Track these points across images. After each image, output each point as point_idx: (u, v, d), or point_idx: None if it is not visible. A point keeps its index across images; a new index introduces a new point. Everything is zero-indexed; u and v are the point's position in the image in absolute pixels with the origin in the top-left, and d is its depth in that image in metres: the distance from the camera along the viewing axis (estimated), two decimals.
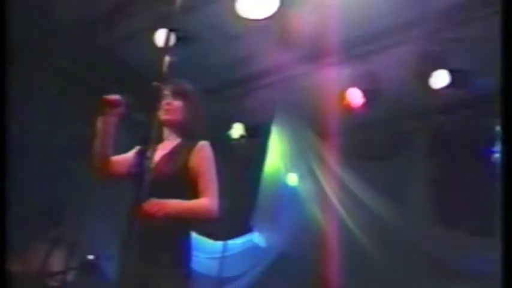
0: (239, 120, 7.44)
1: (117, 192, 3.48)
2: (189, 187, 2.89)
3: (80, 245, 5.91)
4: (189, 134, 3.08)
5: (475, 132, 6.93)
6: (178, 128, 3.10)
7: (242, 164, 7.38)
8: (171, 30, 2.47)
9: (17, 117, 4.15)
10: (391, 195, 6.73)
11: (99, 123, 2.83)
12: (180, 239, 2.85)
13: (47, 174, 6.27)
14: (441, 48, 5.78)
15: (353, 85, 6.37)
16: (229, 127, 7.45)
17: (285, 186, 7.41)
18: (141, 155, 2.35)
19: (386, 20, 5.85)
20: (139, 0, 6.06)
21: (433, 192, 7.29)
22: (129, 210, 2.45)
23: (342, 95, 6.43)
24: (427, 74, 5.90)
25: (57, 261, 5.69)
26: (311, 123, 7.15)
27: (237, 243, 7.26)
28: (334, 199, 6.94)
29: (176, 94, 3.08)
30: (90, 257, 5.54)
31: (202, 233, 6.49)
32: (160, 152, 2.99)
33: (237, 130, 7.42)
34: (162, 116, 2.96)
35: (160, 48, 2.46)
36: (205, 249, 6.64)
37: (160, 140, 3.08)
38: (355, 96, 6.36)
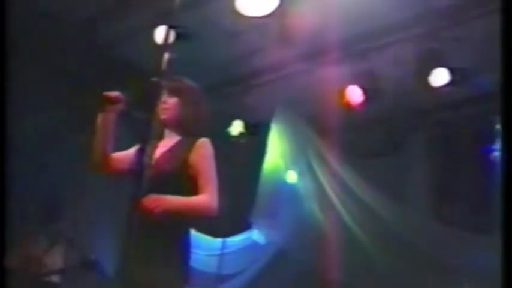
0: (239, 118, 7.44)
1: (117, 189, 3.48)
2: (189, 184, 2.87)
3: (78, 241, 5.91)
4: (188, 131, 3.06)
5: (475, 131, 6.94)
6: (177, 125, 3.08)
7: (241, 161, 7.39)
8: (170, 27, 2.46)
9: (17, 114, 4.14)
10: (390, 192, 6.74)
11: (99, 120, 2.83)
12: (179, 236, 2.84)
13: (46, 171, 6.27)
14: (441, 47, 5.78)
15: (353, 83, 6.37)
16: (229, 124, 7.46)
17: (284, 183, 7.41)
18: (142, 152, 2.35)
19: (387, 18, 5.85)
20: None
21: (432, 190, 7.30)
22: (129, 206, 2.46)
23: (341, 93, 6.43)
24: (427, 72, 5.89)
25: (55, 258, 5.70)
26: (310, 121, 7.14)
27: (236, 240, 7.27)
28: (333, 197, 6.94)
29: (172, 91, 3.06)
30: (89, 253, 5.55)
31: (201, 230, 6.50)
32: (161, 149, 2.99)
33: (236, 127, 7.43)
34: (160, 115, 2.96)
35: (160, 45, 2.45)
36: (204, 246, 6.65)
37: (161, 137, 3.08)
38: (355, 94, 6.36)
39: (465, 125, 7.13)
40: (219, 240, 6.76)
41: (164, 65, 2.40)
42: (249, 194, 7.13)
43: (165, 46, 2.43)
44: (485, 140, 6.56)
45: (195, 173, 2.90)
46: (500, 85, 2.41)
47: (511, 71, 2.36)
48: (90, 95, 2.98)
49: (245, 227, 7.35)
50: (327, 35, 5.99)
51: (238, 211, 6.57)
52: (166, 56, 2.41)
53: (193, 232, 2.97)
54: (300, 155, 7.29)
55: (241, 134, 7.41)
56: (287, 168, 7.42)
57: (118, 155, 3.00)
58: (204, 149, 2.97)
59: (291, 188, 7.39)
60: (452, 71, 5.86)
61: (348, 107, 6.44)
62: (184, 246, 2.85)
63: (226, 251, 6.63)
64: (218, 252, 6.51)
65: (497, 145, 6.30)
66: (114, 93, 2.80)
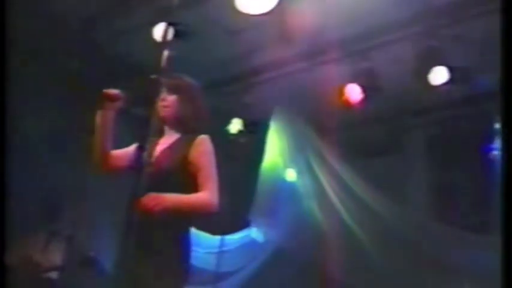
0: (238, 116, 7.44)
1: (116, 186, 3.48)
2: (188, 181, 2.87)
3: (78, 239, 5.91)
4: (187, 129, 3.06)
5: (474, 129, 6.94)
6: (176, 123, 3.08)
7: (240, 160, 7.40)
8: (170, 24, 2.46)
9: (17, 114, 4.14)
10: (390, 191, 6.73)
11: (99, 117, 2.83)
12: (179, 234, 2.84)
13: (46, 168, 6.26)
14: (440, 45, 5.78)
15: (352, 81, 6.36)
16: (228, 122, 7.45)
17: (283, 181, 7.41)
18: (141, 150, 2.34)
19: (386, 16, 5.84)
20: None
21: (431, 189, 7.31)
22: (128, 204, 2.45)
23: (340, 91, 6.42)
24: (426, 71, 5.89)
25: (55, 255, 5.70)
26: (310, 119, 7.14)
27: (235, 238, 7.27)
28: (332, 195, 6.94)
29: (171, 89, 3.06)
30: (88, 251, 5.55)
31: (200, 227, 6.49)
32: (160, 146, 2.99)
33: (235, 125, 7.43)
34: (160, 112, 2.96)
35: (159, 43, 2.45)
36: (203, 244, 6.64)
37: (160, 134, 3.07)
38: (354, 92, 6.36)
39: (465, 123, 7.13)
40: (218, 238, 6.76)
41: (163, 63, 2.40)
42: (248, 192, 7.13)
43: (165, 44, 2.43)
44: (485, 139, 6.56)
45: (195, 170, 2.89)
46: (500, 84, 2.41)
47: (511, 71, 2.36)
48: (90, 93, 2.97)
49: (244, 225, 7.35)
50: (326, 34, 6.00)
51: (237, 209, 6.57)
52: (165, 53, 2.41)
53: (192, 230, 2.96)
54: (299, 154, 7.29)
55: (240, 132, 7.41)
56: (286, 167, 7.41)
57: (117, 152, 2.99)
58: (203, 146, 2.96)
59: (290, 186, 7.38)
60: (451, 69, 5.86)
61: (347, 105, 6.43)
62: (185, 245, 2.84)
63: (225, 248, 6.63)
64: (217, 250, 6.51)
65: (497, 144, 6.31)
66: (113, 91, 2.80)
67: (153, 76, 2.38)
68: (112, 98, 2.79)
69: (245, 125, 7.40)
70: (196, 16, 5.56)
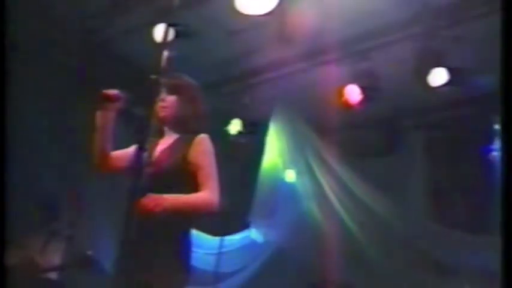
0: (237, 116, 7.44)
1: (116, 186, 3.48)
2: (189, 181, 2.85)
3: (77, 238, 5.91)
4: (187, 129, 3.05)
5: (473, 130, 6.94)
6: (176, 123, 3.07)
7: (240, 160, 7.40)
8: (170, 25, 2.46)
9: (17, 113, 4.14)
10: (389, 192, 6.74)
11: (98, 118, 2.82)
12: (180, 234, 2.83)
13: (46, 168, 6.26)
14: (440, 46, 5.78)
15: (352, 82, 6.36)
16: (228, 123, 7.45)
17: (283, 182, 7.41)
18: (141, 150, 2.34)
19: (386, 17, 5.85)
20: None
21: (431, 189, 7.30)
22: (127, 205, 2.45)
23: (340, 92, 6.42)
24: (425, 72, 5.89)
25: (54, 255, 5.69)
26: (309, 120, 7.15)
27: (234, 239, 7.27)
28: (331, 196, 6.95)
29: (171, 89, 3.05)
30: (88, 251, 5.54)
31: (200, 228, 6.50)
32: (160, 146, 2.99)
33: (235, 126, 7.42)
34: (159, 112, 2.96)
35: (159, 43, 2.45)
36: (203, 245, 6.64)
37: (160, 135, 3.07)
38: (354, 93, 6.36)
39: (464, 124, 7.13)
40: (217, 238, 6.76)
41: (163, 63, 2.40)
42: (248, 193, 7.13)
43: (165, 44, 2.43)
44: (485, 140, 6.57)
45: (195, 169, 2.88)
46: (500, 85, 2.41)
47: (511, 71, 2.36)
48: (90, 93, 2.97)
49: (243, 225, 7.35)
50: (326, 34, 6.00)
51: (237, 210, 6.57)
52: (165, 54, 2.41)
53: (192, 231, 2.95)
54: (298, 154, 7.29)
55: (239, 132, 7.41)
56: (285, 167, 7.42)
57: (117, 153, 2.98)
58: (203, 145, 2.95)
59: (290, 187, 7.39)
60: (451, 70, 5.86)
61: (347, 106, 6.43)
62: (185, 245, 2.83)
63: (224, 249, 6.63)
64: (217, 251, 6.51)
65: (497, 145, 6.31)
66: (113, 91, 2.79)
67: (153, 76, 2.38)
68: (111, 99, 2.78)
69: (245, 125, 7.40)
70: (196, 16, 5.57)
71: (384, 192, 6.69)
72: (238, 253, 7.22)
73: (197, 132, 3.00)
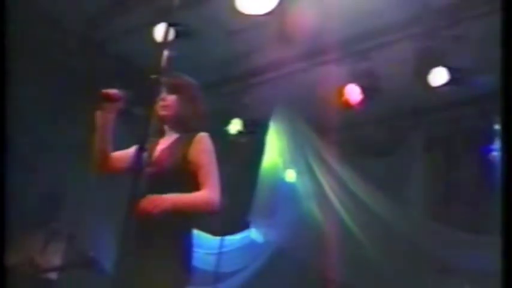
0: (237, 116, 7.44)
1: (117, 186, 3.47)
2: (189, 180, 2.84)
3: (78, 239, 5.91)
4: (187, 128, 3.04)
5: (474, 130, 6.94)
6: (176, 122, 3.07)
7: (240, 160, 7.39)
8: (170, 25, 2.46)
9: (17, 110, 4.14)
10: (389, 192, 6.74)
11: (98, 119, 2.81)
12: (181, 234, 2.81)
13: (46, 168, 6.26)
14: (440, 46, 5.77)
15: (352, 82, 6.36)
16: (228, 123, 7.45)
17: (283, 182, 7.41)
18: (141, 150, 2.33)
19: (386, 17, 5.84)
20: None
21: (431, 189, 7.31)
22: (127, 206, 2.44)
23: (340, 92, 6.42)
24: (426, 72, 5.88)
25: (55, 255, 5.69)
26: (309, 120, 7.14)
27: (235, 238, 7.27)
28: (332, 196, 6.94)
29: (171, 88, 3.04)
30: (88, 251, 5.54)
31: (200, 228, 6.50)
32: (160, 146, 2.98)
33: (235, 126, 7.42)
34: (159, 112, 2.95)
35: (160, 43, 2.45)
36: (203, 245, 6.64)
37: (161, 134, 3.06)
38: (354, 93, 6.35)
39: (465, 124, 7.13)
40: (217, 238, 6.76)
41: (163, 63, 2.40)
42: (248, 193, 7.13)
43: (165, 44, 2.43)
44: (485, 140, 6.57)
45: (195, 168, 2.87)
46: (500, 85, 2.41)
47: (511, 71, 2.35)
48: (90, 93, 2.97)
49: (244, 225, 7.35)
50: (326, 34, 5.99)
51: (237, 210, 6.57)
52: (165, 54, 2.41)
53: (193, 230, 2.94)
54: (298, 154, 7.29)
55: (240, 132, 7.41)
56: (286, 167, 7.42)
57: (118, 154, 2.98)
58: (202, 144, 2.94)
59: (290, 187, 7.39)
60: (451, 70, 5.85)
61: (347, 105, 6.42)
62: (186, 245, 2.82)
63: (225, 249, 6.63)
64: (217, 251, 6.51)
65: (497, 145, 6.31)
66: (113, 91, 2.79)
67: (153, 76, 2.38)
68: (111, 98, 2.78)
69: (245, 125, 7.40)
70: (196, 16, 5.56)
71: (384, 192, 6.68)
72: (238, 253, 7.22)
73: (197, 131, 2.99)
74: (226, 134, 7.39)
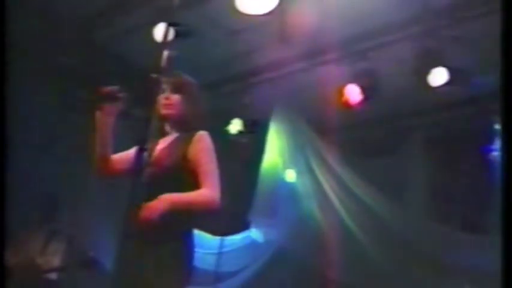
0: (237, 116, 7.44)
1: (117, 186, 3.47)
2: (189, 179, 2.83)
3: (78, 239, 5.91)
4: (188, 127, 3.03)
5: (474, 130, 6.94)
6: (178, 122, 3.06)
7: (240, 160, 7.39)
8: (170, 24, 2.46)
9: (17, 114, 4.14)
10: (389, 192, 6.74)
11: (97, 122, 2.79)
12: (182, 234, 2.81)
13: (46, 168, 6.26)
14: (440, 46, 5.77)
15: (352, 82, 6.36)
16: (228, 122, 7.45)
17: (283, 182, 7.41)
18: (141, 151, 2.32)
19: (386, 17, 5.84)
20: None
21: (431, 189, 7.30)
22: (126, 209, 2.43)
23: (340, 92, 6.42)
24: (425, 72, 5.89)
25: (55, 256, 5.69)
26: (309, 120, 7.15)
27: (235, 238, 7.27)
28: (332, 195, 6.94)
29: (175, 87, 3.04)
30: (89, 251, 5.54)
31: (200, 228, 6.49)
32: (160, 145, 2.97)
33: (235, 126, 7.42)
34: (162, 110, 2.95)
35: (160, 43, 2.44)
36: (203, 245, 6.64)
37: (162, 134, 3.06)
38: (354, 93, 6.35)
39: (465, 124, 7.13)
40: (218, 238, 6.76)
41: (163, 63, 2.40)
42: (248, 193, 7.13)
43: (165, 44, 2.43)
44: (485, 140, 6.57)
45: (195, 167, 2.85)
46: (500, 85, 2.41)
47: (511, 71, 2.36)
48: (90, 93, 2.97)
49: (244, 225, 7.35)
50: (326, 34, 5.99)
51: (237, 210, 6.57)
52: (165, 53, 2.41)
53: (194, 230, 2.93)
54: (298, 154, 7.29)
55: (240, 132, 7.40)
56: (286, 167, 7.42)
57: (118, 156, 2.97)
58: (202, 142, 2.93)
59: (290, 186, 7.39)
60: (451, 70, 5.86)
61: (347, 106, 6.42)
62: (188, 245, 2.81)
63: (225, 249, 6.62)
64: (217, 251, 6.50)
65: (497, 145, 6.31)
66: (112, 88, 2.77)
67: (153, 75, 2.38)
68: (111, 96, 2.76)
69: (245, 125, 7.40)
70: (196, 16, 5.57)
71: (384, 192, 6.69)
72: (239, 253, 7.21)
73: (197, 130, 2.98)
74: (226, 133, 7.39)
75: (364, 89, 6.32)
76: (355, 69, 6.37)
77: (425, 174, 7.33)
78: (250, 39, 6.34)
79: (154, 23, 5.65)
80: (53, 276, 5.62)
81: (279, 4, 5.26)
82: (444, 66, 5.84)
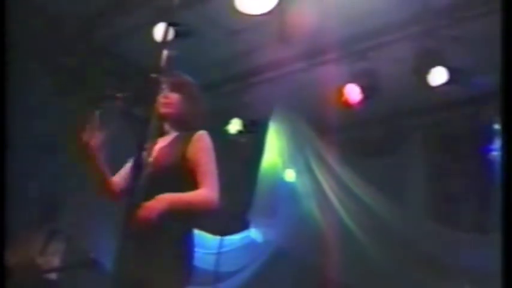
0: (237, 116, 7.44)
1: None
2: (188, 178, 2.83)
3: (78, 240, 5.90)
4: (187, 126, 3.04)
5: (473, 130, 6.94)
6: (177, 121, 3.06)
7: (239, 160, 7.39)
8: (170, 24, 2.46)
9: (16, 111, 4.14)
10: (389, 191, 6.74)
11: (85, 151, 2.77)
12: (182, 234, 2.80)
13: (46, 168, 6.26)
14: (439, 46, 5.77)
15: (351, 81, 6.36)
16: (227, 122, 7.45)
17: (283, 182, 7.41)
18: (141, 150, 2.32)
19: (385, 16, 5.84)
20: None
21: (431, 189, 7.31)
22: (126, 209, 2.43)
23: (340, 91, 6.42)
24: (425, 71, 5.89)
25: (54, 255, 5.69)
26: (309, 119, 7.15)
27: (235, 238, 7.27)
28: (331, 195, 6.94)
29: (174, 87, 3.04)
30: (89, 252, 5.54)
31: (200, 228, 6.49)
32: (159, 145, 2.96)
33: (234, 125, 7.42)
34: (161, 109, 2.94)
35: (159, 43, 2.44)
36: (203, 244, 6.64)
37: (161, 134, 3.06)
38: (354, 93, 6.35)
39: (464, 124, 7.13)
40: (217, 238, 6.76)
41: (163, 63, 2.40)
42: (247, 193, 7.13)
43: (164, 44, 2.43)
44: (485, 140, 6.57)
45: (194, 166, 2.85)
46: (500, 85, 2.41)
47: (511, 71, 2.36)
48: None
49: (243, 225, 7.35)
50: (325, 34, 5.99)
51: (237, 209, 6.57)
52: (165, 53, 2.41)
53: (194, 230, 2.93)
54: (298, 154, 7.29)
55: (239, 132, 7.41)
56: (285, 167, 7.42)
57: (117, 178, 3.00)
58: (201, 142, 2.93)
59: (289, 186, 7.39)
60: (450, 70, 5.86)
61: (346, 105, 6.42)
62: (188, 245, 2.81)
63: (224, 249, 6.62)
64: (217, 250, 6.50)
65: (497, 145, 6.31)
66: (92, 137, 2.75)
67: (153, 75, 2.38)
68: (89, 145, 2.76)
69: (244, 125, 7.40)
70: (196, 16, 5.57)
71: (384, 191, 6.69)
72: (238, 253, 7.21)
73: (196, 130, 2.98)
74: (226, 133, 7.39)
75: (363, 89, 6.32)
76: (354, 69, 6.37)
77: (425, 174, 7.33)
78: (250, 39, 6.34)
79: (154, 23, 5.65)
80: (53, 276, 5.61)
81: (279, 4, 5.25)
82: (444, 66, 5.84)
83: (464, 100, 6.90)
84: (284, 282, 7.43)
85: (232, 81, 7.46)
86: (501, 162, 5.17)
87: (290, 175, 7.45)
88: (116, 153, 2.96)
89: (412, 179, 7.29)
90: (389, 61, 6.26)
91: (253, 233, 7.41)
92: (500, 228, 2.23)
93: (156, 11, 5.67)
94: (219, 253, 6.44)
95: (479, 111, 6.77)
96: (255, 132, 7.39)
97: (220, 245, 6.51)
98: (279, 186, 7.36)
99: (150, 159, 2.74)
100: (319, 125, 7.11)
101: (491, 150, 6.45)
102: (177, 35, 2.47)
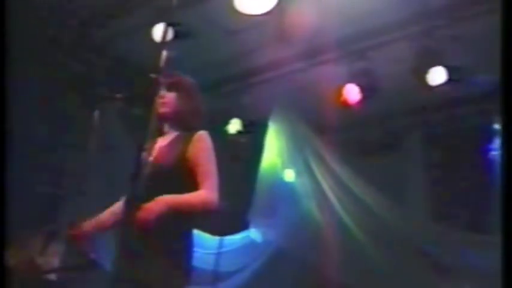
0: (236, 116, 7.44)
1: (117, 186, 3.48)
2: (188, 179, 2.82)
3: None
4: (186, 126, 3.03)
5: (473, 130, 6.94)
6: (176, 120, 3.05)
7: (239, 160, 7.39)
8: (169, 25, 2.46)
9: (17, 111, 4.13)
10: (388, 191, 6.74)
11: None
12: (181, 234, 2.80)
13: (46, 167, 6.26)
14: (439, 45, 5.77)
15: (350, 81, 6.36)
16: (227, 123, 7.45)
17: (282, 182, 7.41)
18: (141, 150, 2.32)
19: (384, 16, 5.84)
20: None
21: (430, 188, 7.31)
22: (125, 209, 2.44)
23: (339, 91, 6.42)
24: (424, 71, 5.89)
25: (54, 255, 5.69)
26: (308, 119, 7.15)
27: (235, 238, 7.27)
28: (331, 195, 6.94)
29: (170, 86, 3.03)
30: (89, 252, 5.53)
31: (200, 228, 6.49)
32: (159, 144, 2.97)
33: (234, 126, 7.43)
34: (158, 109, 2.94)
35: (159, 43, 2.44)
36: (203, 245, 6.64)
37: (161, 133, 3.05)
38: (353, 93, 6.35)
39: (464, 124, 7.14)
40: (217, 238, 6.76)
41: (163, 63, 2.40)
42: (247, 193, 7.13)
43: (164, 44, 2.43)
44: (484, 140, 6.57)
45: (194, 166, 2.84)
46: (500, 85, 2.41)
47: (510, 71, 2.36)
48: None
49: (243, 225, 7.35)
50: (324, 34, 5.99)
51: (236, 209, 6.57)
52: (164, 53, 2.41)
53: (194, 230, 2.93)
54: (297, 154, 7.29)
55: (239, 132, 7.41)
56: (285, 167, 7.42)
57: (108, 214, 3.23)
58: (202, 142, 2.92)
59: (289, 186, 7.39)
60: (450, 69, 5.86)
61: (346, 105, 6.43)
62: (187, 245, 2.81)
63: (224, 249, 6.62)
64: (216, 250, 6.50)
65: (496, 144, 6.32)
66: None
67: (152, 75, 2.38)
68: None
69: (244, 125, 7.40)
70: (196, 16, 5.56)
71: (383, 191, 6.69)
72: (238, 253, 7.21)
73: (197, 130, 2.98)
74: (225, 133, 7.39)
75: (363, 89, 6.33)
76: (353, 69, 6.37)
77: (425, 174, 7.34)
78: (249, 39, 6.33)
79: (154, 23, 5.64)
80: (53, 276, 5.61)
81: (278, 4, 5.25)
82: (443, 65, 5.84)
83: (464, 100, 6.90)
84: (284, 282, 7.43)
85: (232, 81, 7.46)
86: (501, 162, 5.16)
87: (289, 175, 7.45)
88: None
89: (411, 178, 7.30)
90: (389, 61, 6.26)
91: (253, 233, 7.41)
92: (500, 228, 2.23)
93: (156, 11, 5.67)
94: (218, 253, 6.45)
95: (479, 111, 6.77)
96: (255, 132, 7.40)
97: (220, 245, 6.52)
98: (279, 186, 7.36)
99: (150, 159, 2.75)
100: (319, 125, 7.12)
101: (491, 150, 6.46)
102: (177, 35, 2.47)
